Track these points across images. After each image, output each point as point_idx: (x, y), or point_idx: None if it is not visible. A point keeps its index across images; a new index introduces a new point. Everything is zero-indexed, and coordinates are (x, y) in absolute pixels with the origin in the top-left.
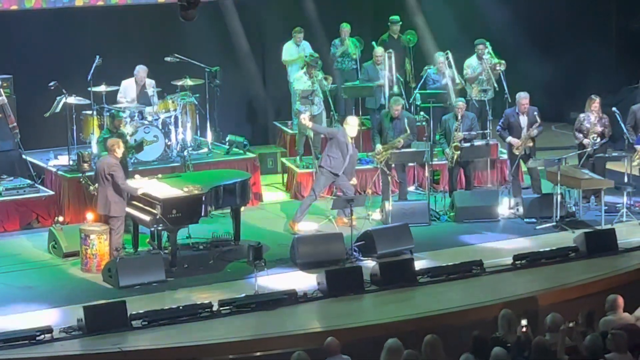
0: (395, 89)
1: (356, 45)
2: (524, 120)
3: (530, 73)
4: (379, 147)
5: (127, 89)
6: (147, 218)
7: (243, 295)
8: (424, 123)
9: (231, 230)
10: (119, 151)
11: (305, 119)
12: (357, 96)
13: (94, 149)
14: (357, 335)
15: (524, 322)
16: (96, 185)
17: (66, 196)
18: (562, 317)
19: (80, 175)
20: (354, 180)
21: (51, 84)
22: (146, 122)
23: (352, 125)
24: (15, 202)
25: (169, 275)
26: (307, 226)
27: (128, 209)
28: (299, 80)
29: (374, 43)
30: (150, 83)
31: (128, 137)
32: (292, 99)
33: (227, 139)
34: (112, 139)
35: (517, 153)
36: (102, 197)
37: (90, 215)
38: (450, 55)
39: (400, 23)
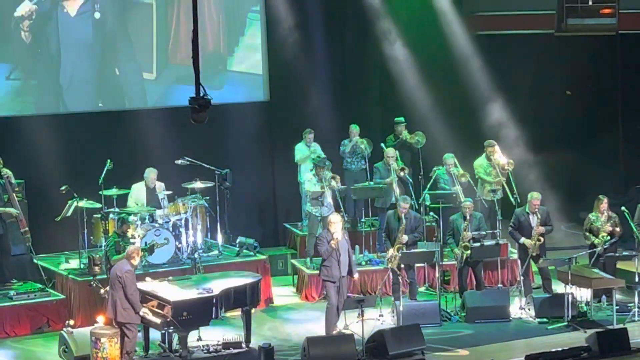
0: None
1: (365, 146)
2: (533, 219)
3: (538, 173)
4: (391, 251)
5: (138, 192)
6: (158, 320)
7: None
8: (433, 223)
9: (242, 332)
10: (137, 259)
11: (334, 244)
12: (366, 197)
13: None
14: None
15: None
16: (107, 288)
17: (77, 300)
18: None
19: (91, 278)
20: (356, 275)
21: (62, 187)
22: (157, 225)
23: (334, 222)
24: (26, 307)
25: None
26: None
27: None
28: (309, 182)
29: (383, 145)
30: (160, 186)
31: (138, 240)
32: (302, 200)
33: (238, 241)
34: (132, 246)
35: (531, 253)
36: (111, 301)
37: (100, 319)
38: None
39: (405, 124)
